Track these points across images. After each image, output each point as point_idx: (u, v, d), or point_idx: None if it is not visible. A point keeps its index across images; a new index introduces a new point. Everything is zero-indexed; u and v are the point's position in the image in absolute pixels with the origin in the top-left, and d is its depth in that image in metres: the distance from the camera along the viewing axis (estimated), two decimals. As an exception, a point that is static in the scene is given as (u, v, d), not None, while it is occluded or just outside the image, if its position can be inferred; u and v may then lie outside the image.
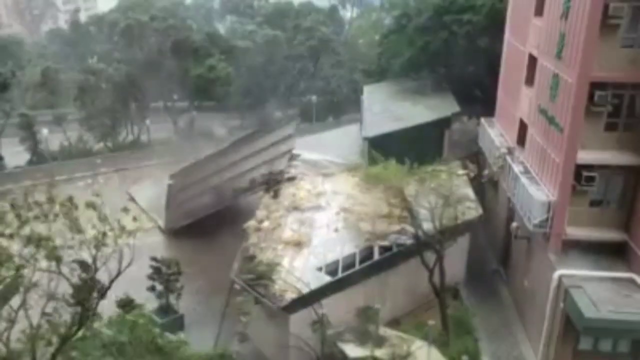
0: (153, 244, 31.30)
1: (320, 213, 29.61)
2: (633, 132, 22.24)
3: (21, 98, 52.51)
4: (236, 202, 38.30)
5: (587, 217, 23.15)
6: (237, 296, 28.07)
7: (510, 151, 29.76)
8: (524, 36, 28.60)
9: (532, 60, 27.24)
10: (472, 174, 32.22)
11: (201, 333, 26.98)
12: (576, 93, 21.47)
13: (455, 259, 27.89)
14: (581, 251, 23.17)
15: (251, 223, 28.81)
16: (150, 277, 27.15)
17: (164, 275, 27.01)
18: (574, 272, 22.37)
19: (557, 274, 22.41)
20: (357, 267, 25.36)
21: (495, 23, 35.76)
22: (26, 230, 15.02)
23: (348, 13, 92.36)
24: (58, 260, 15.10)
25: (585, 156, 22.16)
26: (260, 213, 29.84)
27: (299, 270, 24.73)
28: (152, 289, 27.34)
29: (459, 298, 29.06)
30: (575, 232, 23.10)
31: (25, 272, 15.29)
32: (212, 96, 54.70)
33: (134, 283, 24.87)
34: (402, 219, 26.58)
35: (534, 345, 24.93)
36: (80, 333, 16.38)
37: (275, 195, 31.76)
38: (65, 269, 15.63)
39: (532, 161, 26.70)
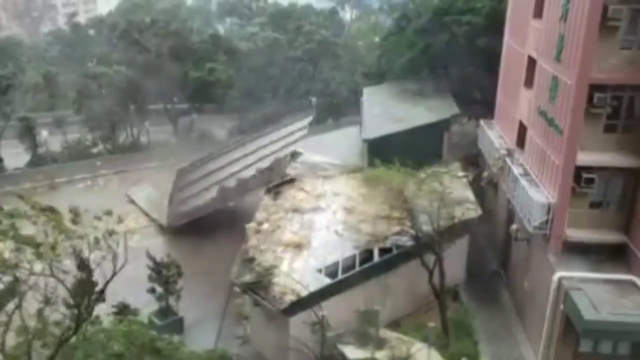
0: (153, 245, 31.29)
1: (320, 215, 29.64)
2: (632, 133, 22.23)
3: (21, 100, 52.41)
4: (237, 203, 38.35)
5: (587, 219, 23.12)
6: (237, 298, 28.13)
7: (509, 153, 29.75)
8: (523, 38, 28.63)
9: (532, 62, 27.26)
10: (471, 176, 32.22)
11: (201, 335, 26.97)
12: (575, 95, 21.49)
13: (455, 261, 27.87)
14: (581, 253, 23.09)
15: (251, 225, 28.80)
16: (150, 279, 27.13)
17: (164, 277, 27.00)
18: (573, 274, 22.33)
19: (557, 276, 22.38)
20: (357, 269, 25.37)
21: (495, 25, 35.73)
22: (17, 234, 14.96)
23: (347, 15, 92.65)
24: (52, 261, 15.03)
25: (584, 158, 22.15)
26: (260, 215, 29.84)
27: (299, 272, 24.73)
28: (152, 291, 27.32)
29: (459, 300, 29.02)
30: (575, 234, 23.05)
31: (18, 274, 15.23)
32: (212, 98, 54.67)
33: (134, 284, 24.94)
34: (402, 220, 26.57)
35: (534, 347, 24.87)
36: (74, 339, 16.29)
37: (275, 197, 31.78)
38: (60, 273, 15.55)
39: (532, 163, 26.70)
